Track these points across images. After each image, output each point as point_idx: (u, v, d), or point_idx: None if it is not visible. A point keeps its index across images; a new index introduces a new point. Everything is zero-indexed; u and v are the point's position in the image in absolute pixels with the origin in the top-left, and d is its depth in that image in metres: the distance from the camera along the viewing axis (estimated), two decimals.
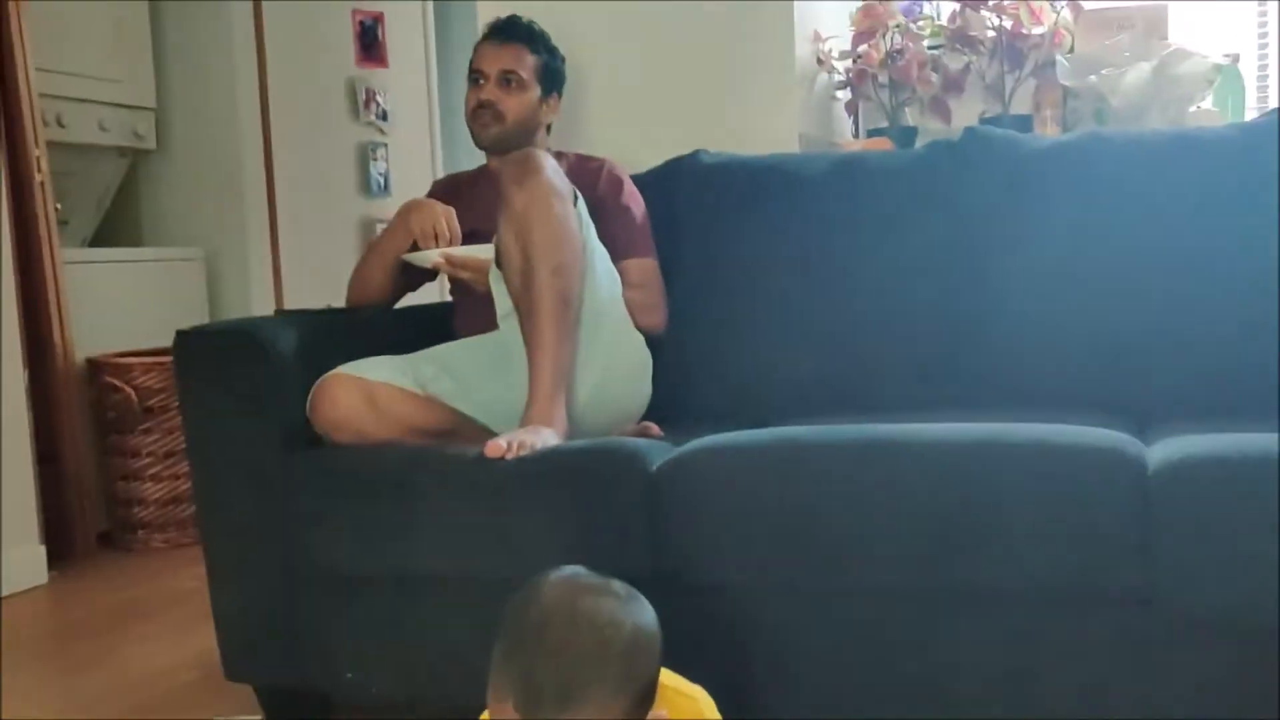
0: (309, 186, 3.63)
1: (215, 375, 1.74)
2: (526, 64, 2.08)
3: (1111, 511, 1.27)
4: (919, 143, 2.63)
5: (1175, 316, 1.82)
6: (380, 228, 3.78)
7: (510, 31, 2.11)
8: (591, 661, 1.00)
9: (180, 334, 1.78)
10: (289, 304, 3.46)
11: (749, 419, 1.88)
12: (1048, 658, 1.33)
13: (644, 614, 1.06)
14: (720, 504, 1.47)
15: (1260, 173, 1.83)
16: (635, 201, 2.09)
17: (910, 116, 2.67)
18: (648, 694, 1.04)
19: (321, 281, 3.13)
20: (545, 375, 1.67)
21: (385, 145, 3.92)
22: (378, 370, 1.74)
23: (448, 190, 2.18)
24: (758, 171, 2.15)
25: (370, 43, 3.85)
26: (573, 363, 1.74)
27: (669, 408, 1.98)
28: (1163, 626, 1.28)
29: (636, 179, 2.17)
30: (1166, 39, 2.49)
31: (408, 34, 4.06)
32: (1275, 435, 1.28)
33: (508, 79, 2.07)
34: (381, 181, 3.88)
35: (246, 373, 1.72)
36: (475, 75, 2.10)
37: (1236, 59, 2.51)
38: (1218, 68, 2.35)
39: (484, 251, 1.86)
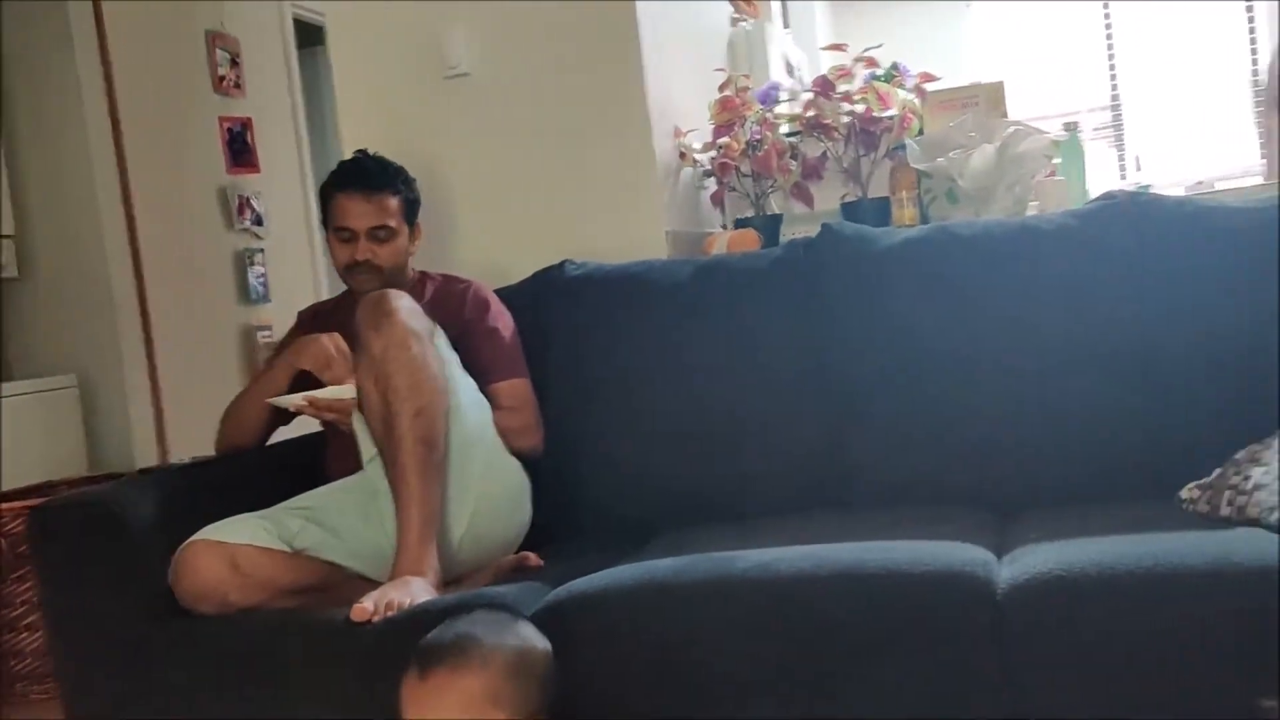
0: (185, 299, 3.55)
1: (73, 551, 1.69)
2: (393, 211, 2.04)
3: (965, 638, 1.30)
4: (785, 228, 2.69)
5: (1032, 402, 1.88)
6: (262, 336, 3.76)
7: (370, 180, 2.05)
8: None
9: (34, 510, 1.72)
10: (171, 423, 3.37)
11: (631, 534, 1.89)
12: None
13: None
14: (589, 651, 1.46)
15: (1099, 258, 1.91)
16: (503, 321, 2.08)
17: (775, 203, 2.73)
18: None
19: (203, 396, 3.06)
20: (413, 523, 1.65)
21: (262, 250, 3.86)
22: (240, 532, 1.70)
23: (315, 321, 2.15)
24: (622, 281, 2.17)
25: (240, 149, 3.81)
26: (442, 504, 1.73)
27: (552, 528, 1.98)
28: None
29: (504, 293, 2.18)
30: (1006, 115, 2.60)
31: (279, 137, 4.02)
32: (1125, 541, 1.33)
33: (378, 234, 2.04)
34: (260, 288, 3.83)
35: (105, 546, 1.67)
36: (343, 232, 2.04)
37: (1076, 127, 2.61)
38: (1056, 143, 2.45)
39: (346, 392, 1.84)
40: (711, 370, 2.05)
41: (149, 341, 3.40)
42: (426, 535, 1.66)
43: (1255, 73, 5.31)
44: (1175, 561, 1.27)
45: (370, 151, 2.13)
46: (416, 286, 2.09)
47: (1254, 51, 5.44)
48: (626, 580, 1.50)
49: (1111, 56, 5.68)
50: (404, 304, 1.76)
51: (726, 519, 1.89)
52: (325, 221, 2.09)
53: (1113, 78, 5.68)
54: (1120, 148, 5.68)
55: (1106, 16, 5.69)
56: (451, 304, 2.06)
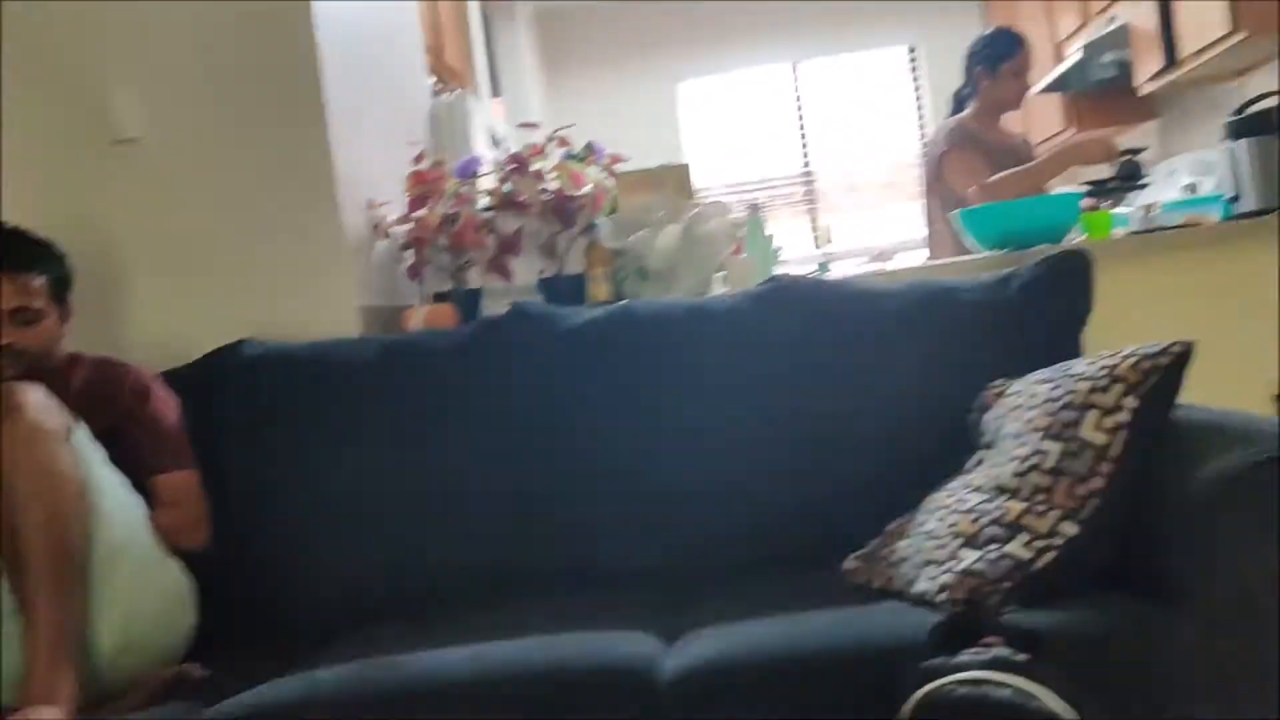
0: None
1: None
2: (39, 291, 1.85)
3: None
4: (485, 302, 2.68)
5: (708, 480, 1.93)
6: None
7: (12, 259, 1.85)
8: None
9: None
10: None
11: (309, 636, 1.79)
12: None
13: None
14: None
15: (766, 339, 2.01)
16: (165, 408, 1.94)
17: (474, 278, 2.71)
18: None
19: None
20: (42, 645, 1.49)
21: None
22: None
23: None
24: (304, 362, 2.08)
25: None
26: (82, 618, 1.57)
27: (225, 632, 1.84)
28: None
29: (175, 376, 2.03)
30: (693, 195, 2.71)
31: None
32: (782, 623, 1.37)
33: (22, 317, 1.84)
34: None
35: None
36: None
37: (757, 209, 2.76)
38: (737, 225, 2.58)
39: None
40: (398, 456, 1.99)
41: None
42: (57, 658, 1.50)
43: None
44: (822, 645, 1.33)
45: (10, 226, 1.93)
46: (65, 372, 1.90)
47: (922, 131, 6.02)
48: (286, 697, 1.41)
49: (803, 131, 6.12)
50: (32, 398, 1.59)
51: (411, 612, 1.82)
52: None
53: (804, 151, 6.11)
54: (813, 218, 6.10)
55: (798, 96, 6.12)
56: (107, 391, 1.89)
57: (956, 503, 1.54)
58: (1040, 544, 1.39)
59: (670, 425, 1.97)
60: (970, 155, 3.21)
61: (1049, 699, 1.01)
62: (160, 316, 2.38)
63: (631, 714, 1.31)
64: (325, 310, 2.41)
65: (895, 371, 1.96)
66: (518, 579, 1.92)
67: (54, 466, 1.55)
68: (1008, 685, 1.02)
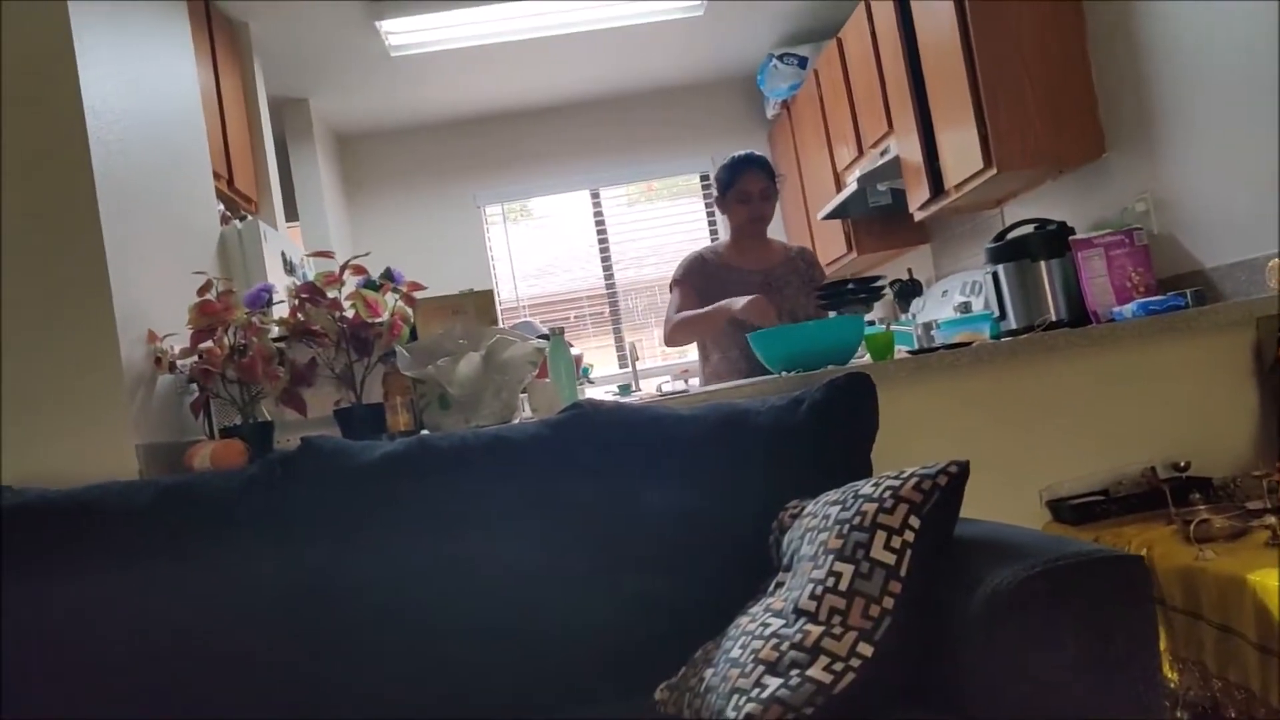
0: None
1: None
2: None
3: None
4: (278, 435, 2.57)
5: (510, 614, 1.87)
6: None
7: None
8: None
9: None
10: None
11: None
12: None
13: None
14: None
15: (566, 465, 2.00)
16: None
17: (267, 410, 2.60)
18: None
19: None
20: None
21: None
22: None
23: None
24: (68, 512, 1.92)
25: None
26: None
27: None
28: None
29: None
30: (496, 321, 2.70)
31: None
32: None
33: None
34: None
35: None
36: None
37: (561, 332, 2.78)
38: (540, 349, 2.58)
39: None
40: (173, 608, 1.84)
41: None
42: None
43: None
44: None
45: None
46: None
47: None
48: None
49: (605, 250, 6.27)
50: None
51: None
52: None
53: (608, 269, 6.25)
54: (618, 335, 6.21)
55: (599, 217, 6.28)
56: None
57: (759, 628, 1.55)
58: (839, 666, 1.41)
59: (473, 561, 1.91)
60: (685, 287, 3.37)
61: None
62: None
63: None
64: (100, 451, 2.26)
65: (694, 494, 1.98)
66: None
67: None
68: None
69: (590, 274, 6.25)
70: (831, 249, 5.20)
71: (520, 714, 1.77)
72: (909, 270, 4.97)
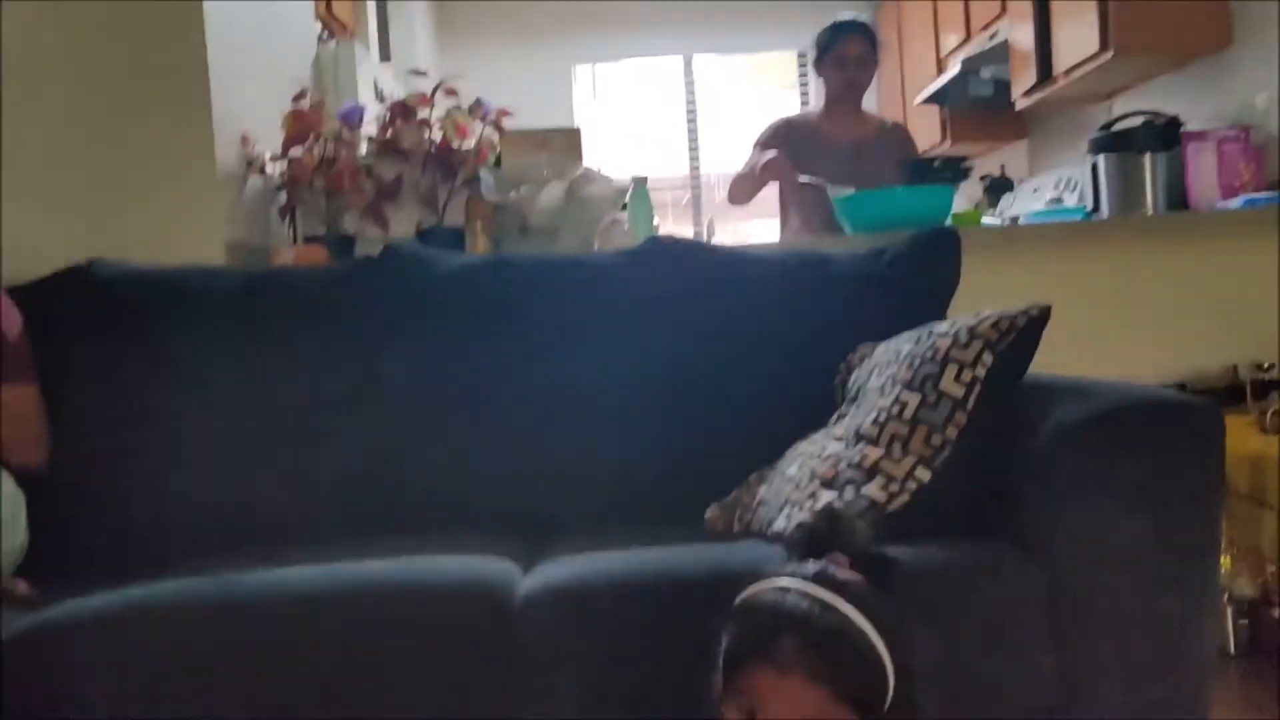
0: None
1: None
2: None
3: (477, 647, 1.28)
4: (359, 250, 2.61)
5: (584, 427, 1.91)
6: None
7: None
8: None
9: None
10: None
11: (143, 563, 1.70)
12: None
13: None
14: (71, 683, 1.29)
15: (642, 293, 2.01)
16: (7, 322, 1.83)
17: (350, 223, 2.64)
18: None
19: None
20: None
21: None
22: None
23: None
24: (160, 286, 1.99)
25: None
26: None
27: (55, 553, 1.74)
28: None
29: (17, 292, 1.92)
30: (581, 160, 2.70)
31: None
32: (638, 555, 1.37)
33: None
34: None
35: None
36: None
37: (644, 180, 2.76)
38: (622, 191, 2.57)
39: None
40: (257, 389, 1.91)
41: None
42: None
43: None
44: (675, 570, 1.34)
45: None
46: None
47: None
48: (116, 606, 1.34)
49: (693, 126, 6.17)
50: None
51: (260, 546, 1.76)
52: None
53: (693, 145, 6.17)
54: (696, 213, 6.17)
55: (690, 90, 6.18)
56: None
57: (817, 450, 1.57)
58: (895, 487, 1.43)
59: (542, 374, 1.95)
60: (760, 150, 3.30)
61: (855, 618, 1.03)
62: (13, 231, 2.24)
63: (483, 630, 1.29)
64: (190, 240, 2.32)
65: (766, 333, 1.98)
66: (379, 519, 1.86)
67: None
68: (813, 598, 1.03)
69: (674, 150, 6.15)
70: (925, 137, 5.06)
71: (571, 521, 1.81)
72: (1001, 166, 4.83)
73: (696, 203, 6.15)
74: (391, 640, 1.29)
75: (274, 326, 1.97)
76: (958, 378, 1.47)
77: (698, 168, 6.16)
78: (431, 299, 1.99)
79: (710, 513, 1.75)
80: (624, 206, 2.57)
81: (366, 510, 1.88)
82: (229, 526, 1.84)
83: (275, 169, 2.58)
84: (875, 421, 1.51)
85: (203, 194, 2.35)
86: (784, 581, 1.06)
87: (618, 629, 1.28)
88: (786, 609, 1.03)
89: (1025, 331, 1.49)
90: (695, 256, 2.09)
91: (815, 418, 1.79)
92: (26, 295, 1.92)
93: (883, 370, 1.61)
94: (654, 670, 1.27)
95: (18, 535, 1.70)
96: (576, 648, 1.29)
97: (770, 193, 3.40)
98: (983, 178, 4.75)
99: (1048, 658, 1.34)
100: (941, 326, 1.58)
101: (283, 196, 2.61)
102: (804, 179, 3.01)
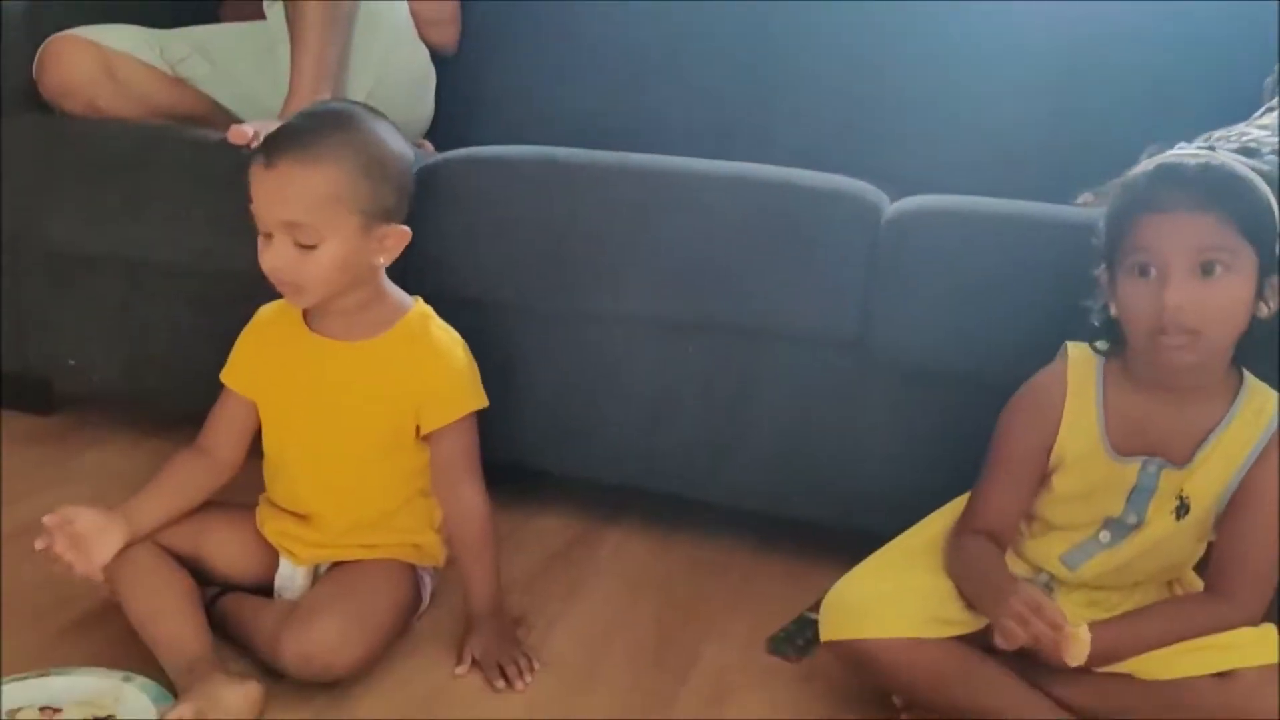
0: None
1: None
2: None
3: (840, 254, 1.31)
4: None
5: (964, 91, 1.83)
6: None
7: None
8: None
9: None
10: None
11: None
12: (762, 387, 1.39)
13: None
14: (470, 215, 1.43)
15: None
16: None
17: None
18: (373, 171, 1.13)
19: None
20: (306, 72, 1.56)
21: None
22: (120, 39, 1.59)
23: None
24: None
25: None
26: (341, 63, 1.64)
27: (450, 131, 1.92)
28: (866, 366, 1.34)
29: None
30: None
31: None
32: (996, 200, 1.33)
33: None
34: None
35: None
36: None
37: None
38: None
39: None
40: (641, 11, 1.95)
41: None
42: (319, 88, 1.58)
43: None
44: (1053, 214, 1.29)
45: None
46: None
47: None
48: (522, 152, 1.46)
49: None
50: None
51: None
52: None
53: None
54: None
55: None
56: None
57: (1234, 134, 1.42)
58: None
59: (923, 31, 1.85)
60: None
61: (1235, 165, 1.01)
62: None
63: (850, 238, 1.30)
64: None
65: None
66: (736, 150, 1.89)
67: None
68: (1189, 154, 1.02)
69: None
70: None
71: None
72: None
73: None
74: (760, 224, 1.33)
75: None
76: None
77: None
78: None
79: (1082, 198, 1.65)
80: None
81: (733, 136, 1.87)
82: (611, 134, 1.92)
83: None
84: None
85: None
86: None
87: (988, 255, 1.26)
88: (1163, 163, 1.03)
89: None
90: None
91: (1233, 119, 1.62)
92: None
93: None
94: (1020, 305, 1.24)
95: (426, 106, 1.88)
96: (935, 274, 1.28)
97: None
98: None
99: None
100: None
101: None
102: None
